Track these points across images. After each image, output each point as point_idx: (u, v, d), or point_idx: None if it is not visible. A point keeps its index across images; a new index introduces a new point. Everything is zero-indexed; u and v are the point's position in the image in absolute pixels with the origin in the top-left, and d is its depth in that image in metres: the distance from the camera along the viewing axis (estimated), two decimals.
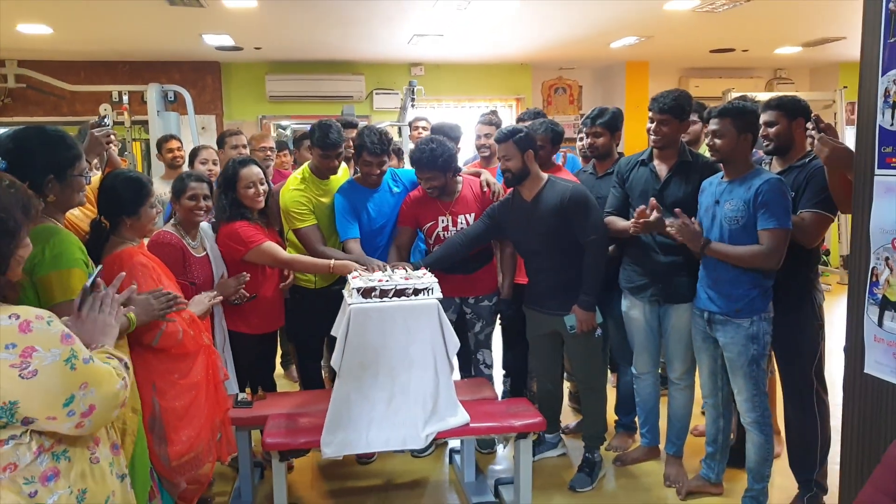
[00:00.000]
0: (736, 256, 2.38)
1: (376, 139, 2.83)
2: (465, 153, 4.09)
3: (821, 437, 2.52)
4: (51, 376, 1.19)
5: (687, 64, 7.61)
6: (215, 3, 4.43)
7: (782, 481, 2.78)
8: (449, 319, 2.55)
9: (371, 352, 2.39)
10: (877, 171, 1.83)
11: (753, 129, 2.43)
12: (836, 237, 7.09)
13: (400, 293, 2.41)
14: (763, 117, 2.50)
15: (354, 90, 6.91)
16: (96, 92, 6.30)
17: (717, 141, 2.42)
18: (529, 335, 2.96)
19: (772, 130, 2.49)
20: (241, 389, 2.81)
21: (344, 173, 3.14)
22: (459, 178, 3.02)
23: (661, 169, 2.74)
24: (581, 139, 3.36)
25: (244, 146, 3.93)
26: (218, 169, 3.63)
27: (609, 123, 3.04)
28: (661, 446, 3.04)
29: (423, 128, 4.61)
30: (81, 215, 2.34)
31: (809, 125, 2.29)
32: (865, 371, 1.88)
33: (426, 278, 2.48)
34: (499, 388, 3.35)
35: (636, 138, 6.51)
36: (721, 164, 2.51)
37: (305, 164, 3.05)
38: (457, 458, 3.06)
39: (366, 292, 2.39)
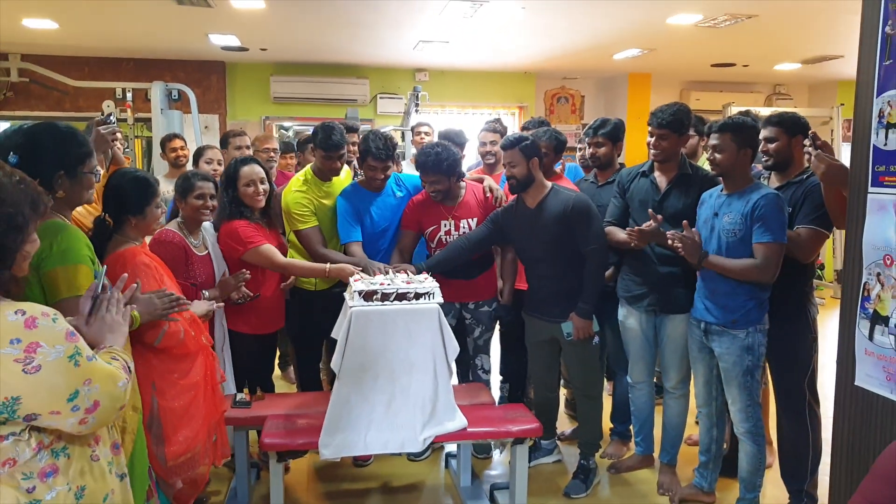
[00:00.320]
0: (731, 269, 2.41)
1: (381, 144, 2.86)
2: (469, 159, 4.12)
3: (812, 448, 2.55)
4: (54, 372, 1.19)
5: (688, 77, 7.68)
6: (223, 3, 4.44)
7: (774, 491, 2.81)
8: (448, 324, 2.56)
9: (371, 354, 2.40)
10: (870, 189, 1.88)
11: (753, 145, 2.47)
12: (831, 252, 7.14)
13: (401, 297, 2.42)
14: (763, 133, 2.54)
15: (359, 93, 6.92)
16: (100, 88, 6.29)
17: (718, 155, 2.46)
18: (528, 341, 2.99)
19: (772, 146, 2.53)
20: (240, 390, 2.80)
21: (346, 176, 3.18)
22: (463, 184, 3.05)
23: (662, 180, 2.78)
24: (582, 149, 3.41)
25: (248, 147, 3.94)
26: (222, 169, 3.65)
27: (611, 134, 3.09)
28: (656, 455, 3.07)
29: (426, 133, 4.63)
30: (85, 212, 2.34)
31: (807, 142, 2.34)
32: (856, 383, 1.92)
33: (428, 283, 2.50)
34: (496, 393, 3.36)
35: (637, 149, 6.55)
36: (721, 178, 2.55)
37: (308, 166, 3.07)
38: (453, 462, 3.07)
39: (367, 295, 2.40)
